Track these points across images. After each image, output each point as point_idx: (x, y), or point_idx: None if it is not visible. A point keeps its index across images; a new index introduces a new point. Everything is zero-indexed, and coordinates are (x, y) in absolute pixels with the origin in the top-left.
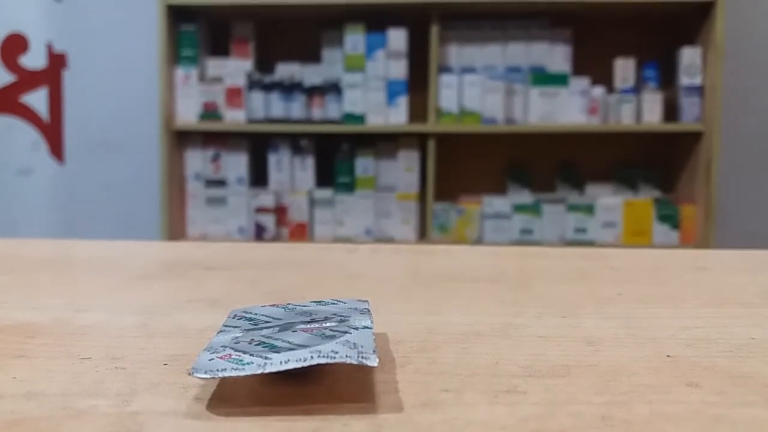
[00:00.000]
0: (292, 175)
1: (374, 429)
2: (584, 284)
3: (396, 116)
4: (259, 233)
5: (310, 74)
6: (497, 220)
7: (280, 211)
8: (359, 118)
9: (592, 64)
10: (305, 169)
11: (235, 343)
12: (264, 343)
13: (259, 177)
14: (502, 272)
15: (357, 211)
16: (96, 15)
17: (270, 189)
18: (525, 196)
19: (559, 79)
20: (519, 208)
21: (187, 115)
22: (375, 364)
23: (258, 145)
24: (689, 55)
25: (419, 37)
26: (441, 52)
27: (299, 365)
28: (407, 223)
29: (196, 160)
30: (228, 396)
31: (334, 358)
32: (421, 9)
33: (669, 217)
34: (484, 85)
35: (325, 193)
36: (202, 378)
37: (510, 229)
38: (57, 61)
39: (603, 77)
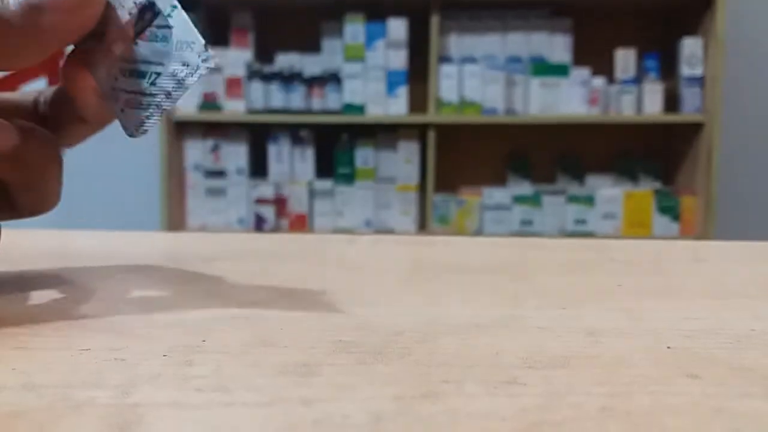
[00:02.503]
0: (292, 165)
1: (374, 420)
2: (584, 276)
3: (396, 107)
4: (259, 224)
5: (310, 64)
6: (497, 211)
7: (279, 202)
8: (359, 109)
9: (593, 55)
10: (305, 160)
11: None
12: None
13: (258, 168)
14: (502, 263)
15: (357, 202)
16: None
17: (270, 180)
18: (525, 187)
19: (560, 70)
20: (519, 199)
21: (187, 105)
22: (210, 64)
23: (258, 136)
24: (690, 46)
25: (419, 27)
26: (441, 42)
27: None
28: (407, 214)
29: (195, 151)
30: (228, 388)
31: (191, 76)
32: None
33: (669, 208)
34: (485, 75)
35: (325, 184)
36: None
37: (510, 220)
38: (55, 52)
39: (603, 68)
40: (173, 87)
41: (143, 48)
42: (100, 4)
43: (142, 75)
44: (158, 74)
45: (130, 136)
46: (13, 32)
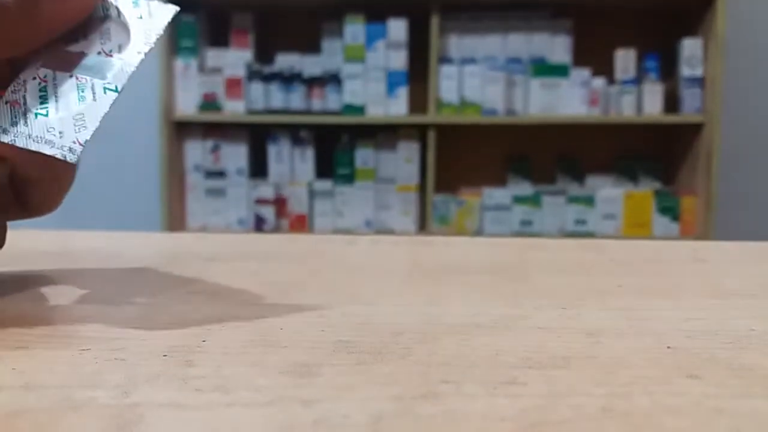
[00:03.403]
0: (292, 166)
1: (374, 420)
2: (584, 276)
3: (396, 107)
4: (259, 225)
5: (310, 65)
6: (497, 211)
7: (279, 203)
8: (359, 109)
9: (593, 55)
10: (305, 161)
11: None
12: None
13: (258, 168)
14: (502, 264)
15: (357, 202)
16: None
17: (270, 180)
18: (525, 188)
19: (560, 70)
20: (519, 200)
21: (187, 106)
22: (72, 159)
23: (258, 136)
24: (690, 47)
25: (419, 27)
26: (441, 43)
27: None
28: (407, 214)
29: (195, 151)
30: (228, 388)
31: (41, 145)
32: None
33: (669, 208)
34: (485, 76)
35: (325, 184)
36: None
37: (510, 220)
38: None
39: (604, 68)
40: (39, 136)
41: (66, 83)
42: None
43: (44, 99)
44: (45, 115)
45: None
46: (11, 19)
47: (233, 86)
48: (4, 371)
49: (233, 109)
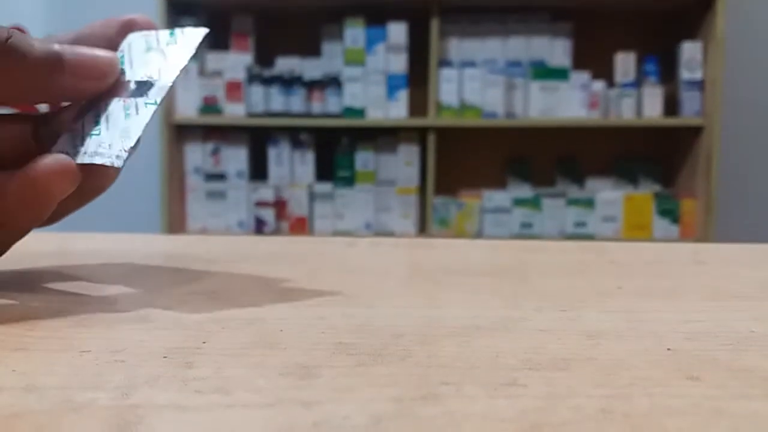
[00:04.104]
0: (292, 169)
1: (374, 422)
2: (584, 278)
3: (396, 110)
4: (259, 227)
5: (310, 68)
6: (497, 214)
7: (279, 205)
8: (359, 112)
9: (593, 59)
10: (305, 163)
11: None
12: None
13: (258, 171)
14: (502, 266)
15: (357, 205)
16: (95, 8)
17: (270, 183)
18: (525, 190)
19: (560, 74)
20: (519, 202)
21: (187, 109)
22: (118, 165)
23: (258, 139)
24: (690, 50)
25: (419, 30)
26: (441, 46)
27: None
28: (407, 217)
29: (195, 154)
30: (228, 389)
31: (93, 157)
32: (421, 3)
33: (669, 211)
34: (485, 79)
35: (325, 187)
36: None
37: (510, 223)
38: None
39: (603, 71)
40: (93, 151)
41: (115, 107)
42: (116, 73)
43: (97, 122)
44: (98, 134)
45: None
46: (29, 80)
47: (233, 89)
48: (5, 373)
49: (233, 112)
